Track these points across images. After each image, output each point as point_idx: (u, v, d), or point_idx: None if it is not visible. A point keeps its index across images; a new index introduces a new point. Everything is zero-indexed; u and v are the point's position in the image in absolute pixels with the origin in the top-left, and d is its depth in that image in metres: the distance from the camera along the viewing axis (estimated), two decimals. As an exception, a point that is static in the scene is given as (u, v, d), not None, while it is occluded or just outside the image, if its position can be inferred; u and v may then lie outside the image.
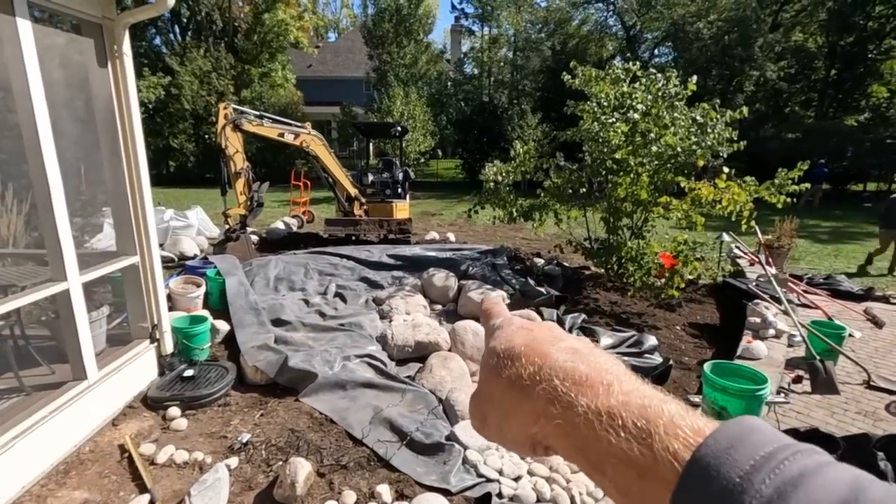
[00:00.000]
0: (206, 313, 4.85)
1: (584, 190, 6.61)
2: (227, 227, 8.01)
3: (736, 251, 7.49)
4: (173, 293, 5.09)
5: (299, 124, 8.93)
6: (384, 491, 2.86)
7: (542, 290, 5.67)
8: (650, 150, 6.13)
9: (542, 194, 7.16)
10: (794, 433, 3.36)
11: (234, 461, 3.11)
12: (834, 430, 3.67)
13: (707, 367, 2.91)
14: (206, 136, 24.46)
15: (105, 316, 3.75)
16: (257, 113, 8.30)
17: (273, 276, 6.16)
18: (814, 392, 4.18)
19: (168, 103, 23.65)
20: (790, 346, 4.83)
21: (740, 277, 6.47)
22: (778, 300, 4.85)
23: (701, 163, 5.48)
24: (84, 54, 3.41)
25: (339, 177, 9.45)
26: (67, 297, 3.10)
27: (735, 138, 6.01)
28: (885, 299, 6.73)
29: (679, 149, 5.71)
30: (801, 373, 4.38)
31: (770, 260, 6.87)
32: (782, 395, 3.88)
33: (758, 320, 4.61)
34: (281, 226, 11.39)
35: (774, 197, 5.81)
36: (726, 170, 5.42)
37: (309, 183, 14.30)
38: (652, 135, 6.02)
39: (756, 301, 5.04)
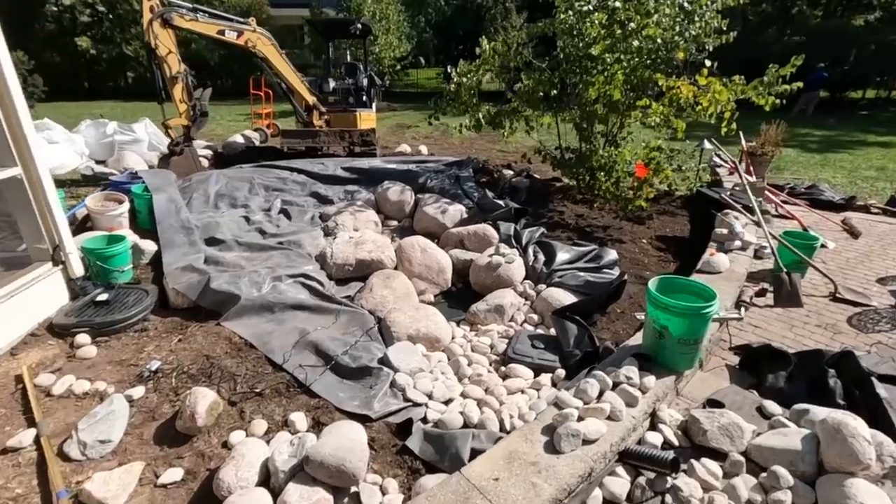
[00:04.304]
0: (127, 233, 4.42)
1: (556, 92, 5.96)
2: (169, 140, 7.31)
3: (716, 159, 7.02)
4: (91, 211, 4.62)
5: (243, 20, 7.88)
6: (298, 419, 2.64)
7: (501, 202, 5.26)
8: (630, 45, 5.43)
9: (512, 98, 6.51)
10: (746, 349, 3.17)
11: (139, 391, 2.85)
12: (790, 345, 3.49)
13: (652, 283, 2.60)
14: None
15: (-10, 237, 3.31)
16: (190, 5, 7.22)
17: (214, 193, 5.67)
18: (776, 305, 3.97)
19: (116, 4, 21.28)
20: (759, 258, 4.57)
21: (716, 187, 6.08)
22: (751, 210, 4.50)
23: (682, 56, 4.83)
24: None
25: (294, 83, 8.56)
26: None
27: (724, 28, 5.30)
28: (866, 209, 6.43)
29: (660, 40, 5.03)
30: (765, 286, 4.15)
31: (750, 168, 6.45)
32: (741, 309, 3.65)
33: (724, 231, 4.30)
34: (240, 139, 10.59)
35: (762, 98, 5.25)
36: (708, 63, 4.79)
37: (271, 92, 13.17)
38: (632, 24, 5.29)
39: (726, 211, 4.69)
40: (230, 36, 7.58)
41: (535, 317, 3.90)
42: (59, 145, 8.65)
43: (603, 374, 2.34)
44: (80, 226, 4.76)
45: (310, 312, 3.60)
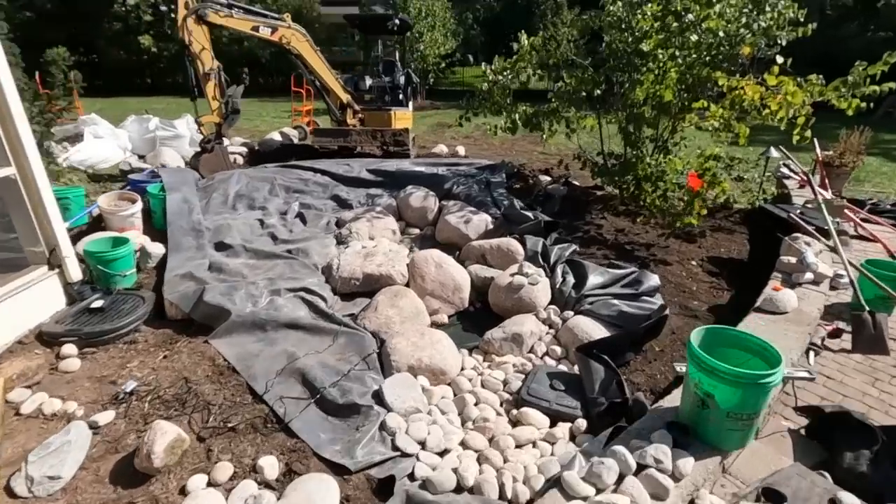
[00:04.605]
0: (133, 234, 4.28)
1: (600, 92, 5.38)
2: (201, 136, 7.28)
3: (784, 170, 6.18)
4: (103, 211, 4.52)
5: (277, 16, 7.74)
6: (268, 464, 2.31)
7: (530, 214, 4.76)
8: (688, 40, 4.78)
9: (552, 98, 5.99)
10: (815, 412, 2.56)
11: (108, 416, 2.62)
12: (873, 405, 2.86)
13: (696, 335, 2.07)
14: (221, 41, 23.09)
15: (-17, 238, 3.20)
16: (225, 1, 7.14)
17: (233, 193, 5.49)
18: (854, 351, 3.30)
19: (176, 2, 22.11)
20: (834, 288, 3.85)
21: (784, 203, 5.30)
22: (826, 233, 3.80)
23: (747, 51, 4.15)
24: None
25: (328, 80, 8.35)
26: None
27: (801, 19, 4.56)
28: (969, 232, 5.44)
29: (722, 33, 4.37)
30: (840, 325, 3.47)
31: (826, 181, 5.60)
32: (810, 356, 3.02)
33: (793, 260, 3.62)
34: (277, 137, 10.57)
35: (844, 101, 4.48)
36: (780, 59, 4.09)
37: (312, 90, 13.12)
38: (690, 16, 4.64)
39: (795, 235, 3.99)
40: (264, 32, 7.44)
41: (559, 349, 3.41)
42: (103, 140, 8.87)
43: (625, 451, 1.85)
44: (95, 226, 4.69)
45: (305, 333, 3.28)
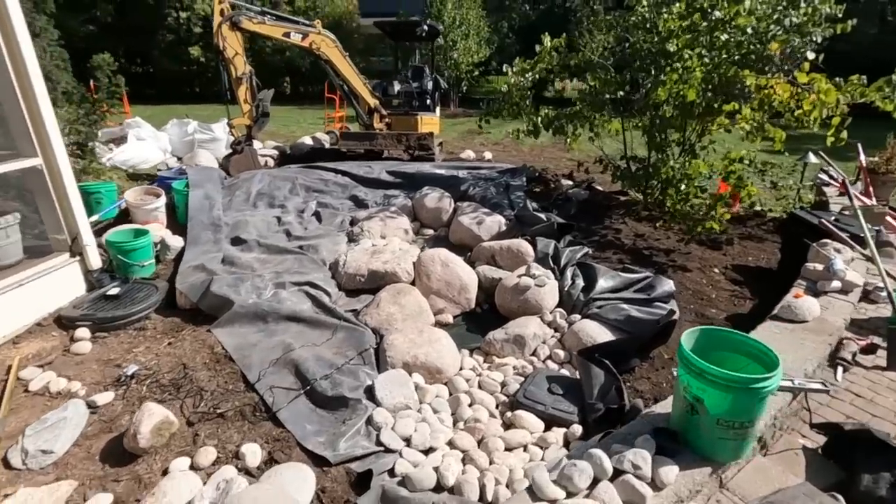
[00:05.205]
0: (155, 227, 4.44)
1: (623, 93, 5.23)
2: (232, 139, 7.55)
3: (823, 176, 5.80)
4: (129, 204, 4.72)
5: (308, 23, 7.96)
6: (250, 451, 2.31)
7: (543, 216, 4.64)
8: (718, 39, 4.59)
9: (576, 102, 5.88)
10: (834, 429, 2.35)
11: (107, 396, 2.70)
12: (904, 429, 2.60)
13: (689, 335, 1.93)
14: (265, 52, 24.01)
15: (11, 225, 3.38)
16: (258, 8, 7.42)
17: (255, 191, 5.64)
18: (889, 369, 3.02)
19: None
20: (872, 301, 3.53)
21: (821, 210, 4.96)
22: (861, 241, 3.52)
23: (775, 47, 3.91)
24: None
25: (356, 85, 8.51)
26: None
27: (839, 15, 4.29)
28: None
29: (750, 30, 4.16)
30: (876, 340, 3.19)
31: (870, 189, 5.21)
32: (838, 371, 2.78)
33: (819, 267, 3.35)
34: (308, 141, 10.83)
35: (889, 102, 4.18)
36: (811, 56, 3.84)
37: (341, 95, 13.41)
38: (717, 13, 4.45)
39: (824, 241, 3.70)
40: (295, 38, 7.67)
41: (562, 353, 3.29)
42: (145, 142, 9.34)
43: (601, 454, 1.73)
44: (123, 219, 4.90)
45: (305, 325, 3.30)
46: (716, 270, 4.22)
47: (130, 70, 27.22)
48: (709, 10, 4.46)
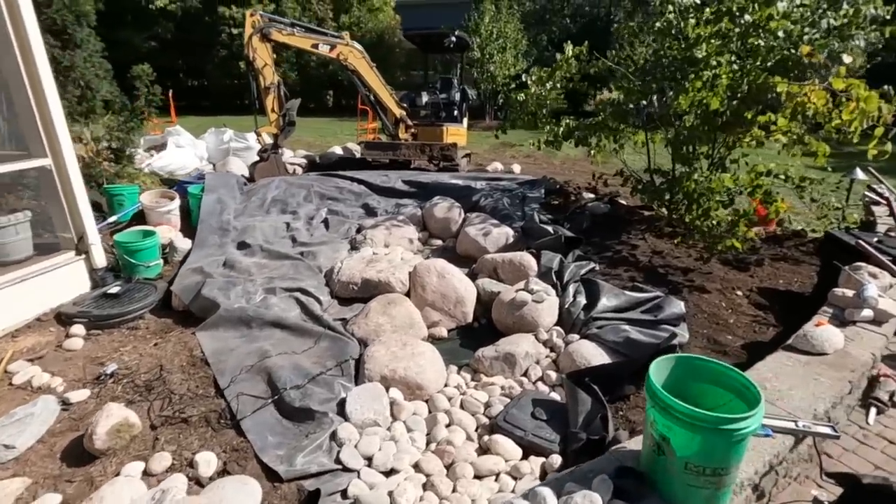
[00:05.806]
0: (166, 229, 4.54)
1: (645, 103, 4.96)
2: (259, 146, 7.76)
3: (870, 194, 5.26)
4: (144, 206, 4.87)
5: (336, 34, 8.11)
6: (204, 460, 2.24)
7: (550, 228, 4.42)
8: (753, 45, 4.28)
9: (599, 111, 5.65)
10: (851, 480, 2.02)
11: (83, 394, 2.71)
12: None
13: (661, 364, 1.69)
14: (310, 66, 24.88)
15: (21, 222, 3.52)
16: (289, 21, 7.63)
17: (270, 197, 5.71)
18: (933, 413, 2.63)
19: (270, 32, 24.26)
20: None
21: (867, 231, 4.48)
22: (904, 266, 3.11)
23: (805, 51, 3.55)
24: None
25: (383, 95, 8.57)
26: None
27: (888, 17, 3.89)
28: None
29: (782, 33, 3.83)
30: (919, 380, 2.79)
31: (925, 209, 4.67)
32: (871, 412, 2.43)
33: (849, 293, 2.97)
34: (338, 150, 11.01)
35: (947, 112, 3.72)
36: (847, 59, 3.47)
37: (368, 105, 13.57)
38: (747, 17, 4.14)
39: (857, 265, 3.29)
40: (323, 49, 7.82)
41: (555, 375, 3.06)
42: (184, 149, 9.77)
43: (547, 493, 1.53)
44: (140, 220, 5.05)
45: (289, 332, 3.23)
46: (738, 293, 3.86)
47: (188, 84, 28.89)
48: (738, 14, 4.16)
